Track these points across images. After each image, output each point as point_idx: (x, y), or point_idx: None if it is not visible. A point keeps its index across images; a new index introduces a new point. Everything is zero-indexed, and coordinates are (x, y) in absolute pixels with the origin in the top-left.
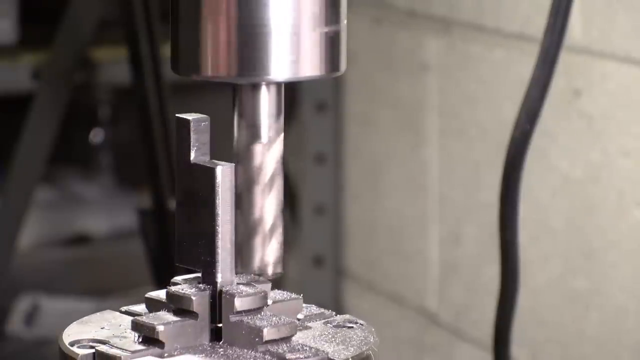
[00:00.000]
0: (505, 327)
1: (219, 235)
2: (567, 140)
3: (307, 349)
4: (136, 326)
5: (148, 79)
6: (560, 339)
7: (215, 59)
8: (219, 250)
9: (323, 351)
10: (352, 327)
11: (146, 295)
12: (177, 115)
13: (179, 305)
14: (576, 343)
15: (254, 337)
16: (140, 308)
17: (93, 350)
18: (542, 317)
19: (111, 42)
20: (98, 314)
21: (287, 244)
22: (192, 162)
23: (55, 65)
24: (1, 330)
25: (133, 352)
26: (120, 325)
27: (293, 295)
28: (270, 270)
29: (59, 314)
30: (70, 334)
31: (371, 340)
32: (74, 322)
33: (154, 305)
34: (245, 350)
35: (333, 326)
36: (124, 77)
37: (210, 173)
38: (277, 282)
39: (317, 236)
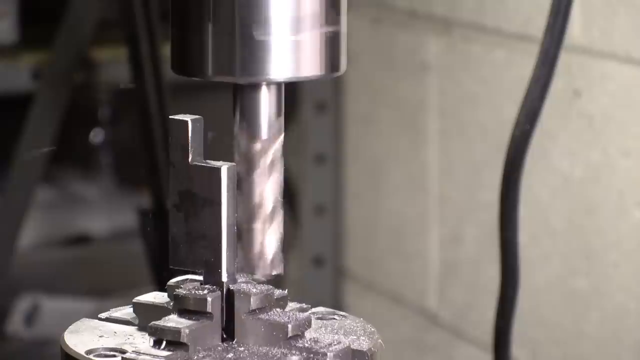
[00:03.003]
0: (505, 327)
1: (225, 235)
2: (567, 140)
3: (333, 341)
4: (156, 331)
5: (148, 79)
6: (560, 339)
7: (216, 59)
8: (225, 250)
9: (344, 342)
10: (335, 318)
11: (135, 300)
12: (171, 117)
13: (192, 307)
14: (576, 343)
15: (277, 333)
16: (122, 313)
17: (119, 359)
18: (542, 317)
19: (111, 42)
20: (79, 322)
21: (287, 244)
22: (191, 163)
23: (55, 65)
24: (1, 330)
25: (165, 357)
26: (115, 333)
27: (279, 291)
28: (270, 270)
29: (59, 314)
30: (75, 343)
31: (371, 329)
32: (66, 333)
33: (144, 310)
34: (268, 347)
35: (317, 318)
36: (124, 77)
37: (215, 173)
38: (277, 282)
39: (317, 236)
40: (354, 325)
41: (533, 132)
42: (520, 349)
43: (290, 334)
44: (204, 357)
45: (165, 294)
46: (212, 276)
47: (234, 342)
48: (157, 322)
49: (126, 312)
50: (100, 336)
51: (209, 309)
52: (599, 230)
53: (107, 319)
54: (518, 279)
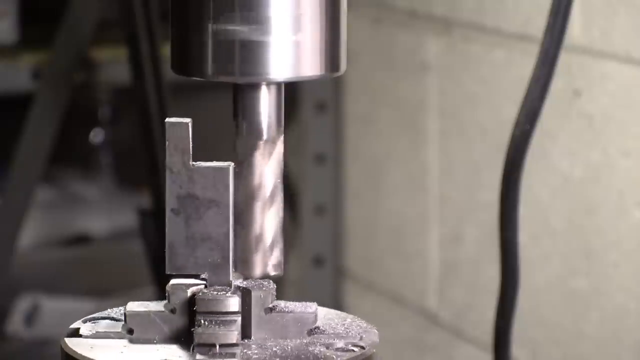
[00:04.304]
0: (505, 327)
1: (231, 234)
2: (567, 140)
3: (345, 324)
4: (206, 336)
5: (148, 79)
6: (560, 339)
7: (216, 59)
8: (232, 249)
9: (353, 324)
10: (353, 350)
11: (129, 312)
12: (168, 120)
13: (221, 309)
14: (576, 343)
15: (301, 325)
16: (104, 327)
17: None
18: (542, 317)
19: (111, 42)
20: (72, 341)
21: (287, 244)
22: (193, 165)
23: (55, 65)
24: (1, 330)
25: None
26: (126, 347)
27: (310, 308)
28: (270, 271)
29: (59, 314)
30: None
31: (357, 318)
32: (83, 354)
33: (142, 320)
34: (294, 341)
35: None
36: (124, 77)
37: (222, 173)
38: (277, 283)
39: (317, 236)
40: (338, 315)
41: (533, 132)
42: (520, 349)
43: (313, 326)
44: (258, 356)
45: (146, 302)
46: (218, 277)
47: (253, 339)
48: (202, 328)
49: (105, 324)
50: (120, 352)
51: (238, 308)
52: (599, 230)
53: (94, 336)
54: (518, 279)
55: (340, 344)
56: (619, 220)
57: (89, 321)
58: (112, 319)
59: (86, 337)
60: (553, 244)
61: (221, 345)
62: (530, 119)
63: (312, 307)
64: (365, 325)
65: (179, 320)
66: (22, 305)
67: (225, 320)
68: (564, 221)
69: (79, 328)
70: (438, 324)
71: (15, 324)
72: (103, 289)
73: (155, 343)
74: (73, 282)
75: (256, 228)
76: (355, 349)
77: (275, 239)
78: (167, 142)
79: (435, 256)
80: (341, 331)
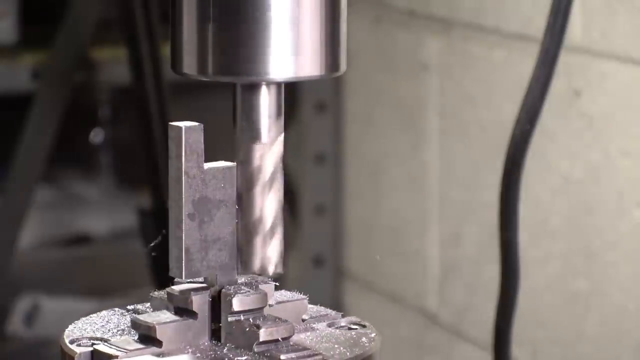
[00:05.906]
0: (505, 327)
1: (236, 233)
2: (567, 140)
3: (323, 311)
4: (273, 333)
5: (148, 79)
6: (560, 339)
7: (215, 59)
8: (236, 248)
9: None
10: (356, 328)
11: (156, 323)
12: (184, 124)
13: (254, 306)
14: (576, 343)
15: (298, 316)
16: (125, 342)
17: None
18: (542, 317)
19: (111, 42)
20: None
21: (287, 244)
22: (206, 167)
23: (55, 65)
24: (1, 330)
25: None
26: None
27: (297, 296)
28: (270, 270)
29: (59, 314)
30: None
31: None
32: None
33: (165, 330)
34: (307, 325)
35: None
36: (124, 77)
37: (230, 172)
38: (277, 283)
39: (317, 236)
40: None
41: (533, 132)
42: (520, 349)
43: (306, 312)
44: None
45: (150, 312)
46: (226, 276)
47: None
48: (263, 326)
49: (123, 339)
50: None
51: (267, 302)
52: (599, 230)
53: (129, 350)
54: (518, 279)
55: (342, 322)
56: (619, 220)
57: (74, 343)
58: (101, 339)
59: (122, 357)
60: (553, 244)
61: (284, 338)
62: (530, 118)
63: (298, 294)
64: (322, 308)
65: (202, 324)
66: (22, 305)
67: (268, 316)
68: (564, 221)
69: (91, 352)
70: (438, 324)
71: (15, 324)
72: (103, 289)
73: (188, 351)
74: (73, 282)
75: (255, 228)
76: (354, 326)
77: (275, 238)
78: (183, 147)
79: (435, 256)
80: (326, 314)
